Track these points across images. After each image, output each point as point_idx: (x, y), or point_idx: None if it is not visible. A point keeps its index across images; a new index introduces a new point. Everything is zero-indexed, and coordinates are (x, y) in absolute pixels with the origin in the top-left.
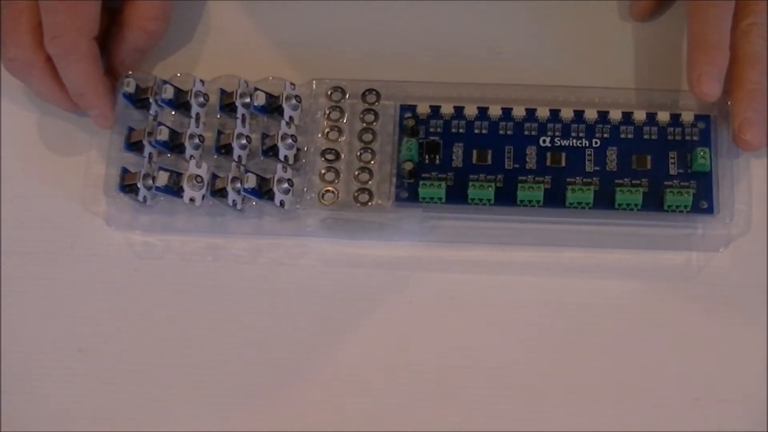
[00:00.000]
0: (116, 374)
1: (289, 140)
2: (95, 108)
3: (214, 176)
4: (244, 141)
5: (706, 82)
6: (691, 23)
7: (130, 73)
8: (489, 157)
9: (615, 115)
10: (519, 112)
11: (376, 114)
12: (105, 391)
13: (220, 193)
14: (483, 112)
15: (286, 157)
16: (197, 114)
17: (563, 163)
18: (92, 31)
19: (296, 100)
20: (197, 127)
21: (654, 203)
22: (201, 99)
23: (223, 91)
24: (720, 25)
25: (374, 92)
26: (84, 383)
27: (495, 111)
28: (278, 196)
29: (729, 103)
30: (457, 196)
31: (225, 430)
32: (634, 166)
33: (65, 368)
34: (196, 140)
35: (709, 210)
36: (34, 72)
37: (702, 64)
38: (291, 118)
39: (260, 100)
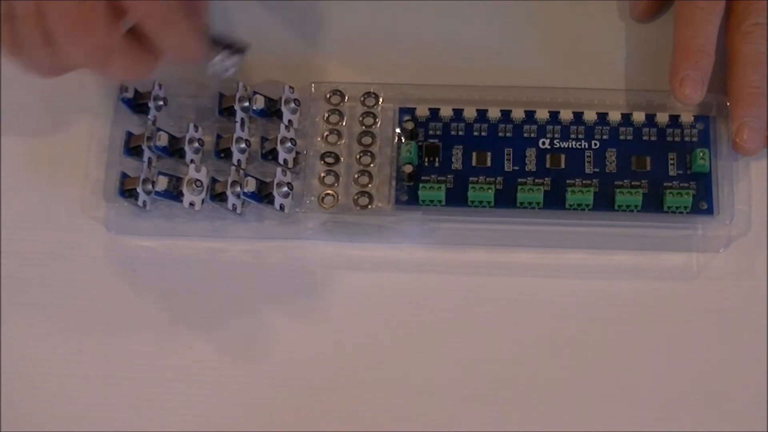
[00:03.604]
0: (116, 375)
1: (289, 144)
2: (198, 51)
3: (214, 180)
4: (243, 145)
5: (688, 85)
6: (677, 25)
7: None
8: (488, 159)
9: (614, 116)
10: (518, 114)
11: (375, 117)
12: (105, 392)
13: (219, 198)
14: (482, 114)
15: (285, 160)
16: None
17: (563, 165)
18: None
19: (295, 104)
20: (196, 131)
21: (654, 204)
22: None
23: (222, 95)
24: (706, 28)
25: (373, 95)
26: (84, 384)
27: (494, 113)
28: (278, 200)
29: (728, 104)
30: (456, 198)
31: (224, 431)
32: (634, 168)
33: (65, 369)
34: (196, 144)
35: (709, 211)
36: (117, 56)
37: (685, 68)
38: (290, 121)
39: (259, 103)
